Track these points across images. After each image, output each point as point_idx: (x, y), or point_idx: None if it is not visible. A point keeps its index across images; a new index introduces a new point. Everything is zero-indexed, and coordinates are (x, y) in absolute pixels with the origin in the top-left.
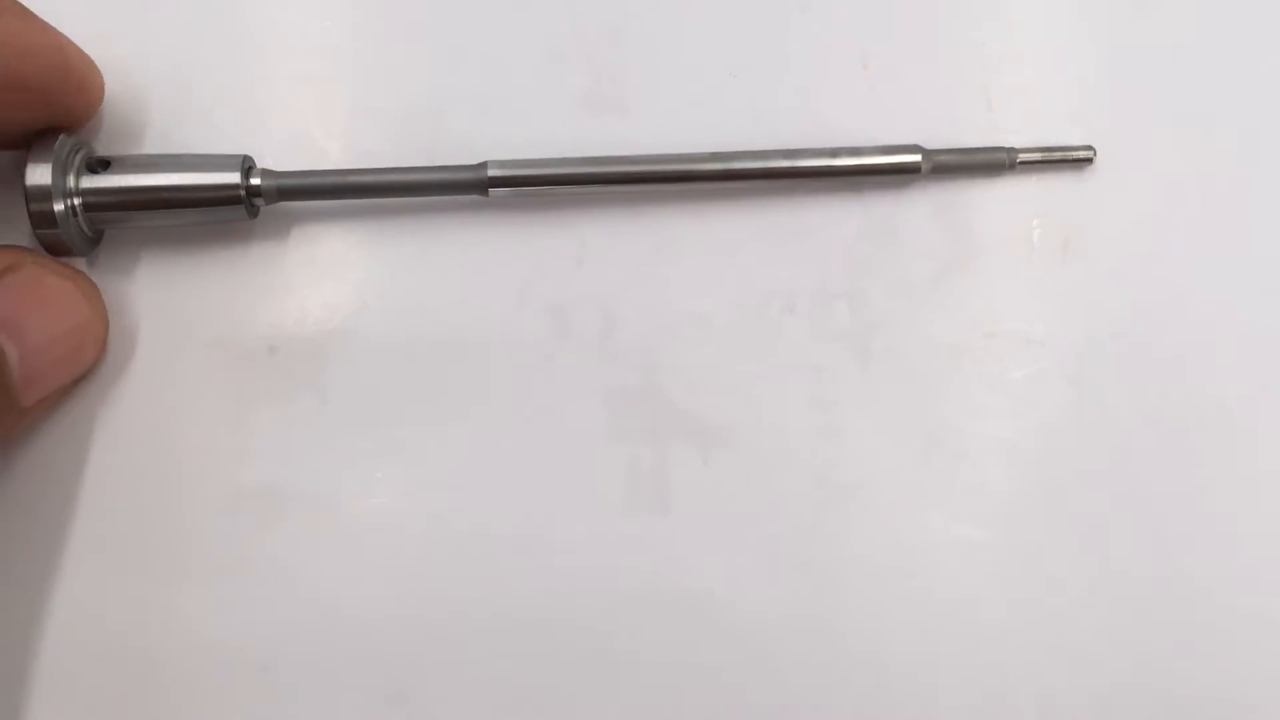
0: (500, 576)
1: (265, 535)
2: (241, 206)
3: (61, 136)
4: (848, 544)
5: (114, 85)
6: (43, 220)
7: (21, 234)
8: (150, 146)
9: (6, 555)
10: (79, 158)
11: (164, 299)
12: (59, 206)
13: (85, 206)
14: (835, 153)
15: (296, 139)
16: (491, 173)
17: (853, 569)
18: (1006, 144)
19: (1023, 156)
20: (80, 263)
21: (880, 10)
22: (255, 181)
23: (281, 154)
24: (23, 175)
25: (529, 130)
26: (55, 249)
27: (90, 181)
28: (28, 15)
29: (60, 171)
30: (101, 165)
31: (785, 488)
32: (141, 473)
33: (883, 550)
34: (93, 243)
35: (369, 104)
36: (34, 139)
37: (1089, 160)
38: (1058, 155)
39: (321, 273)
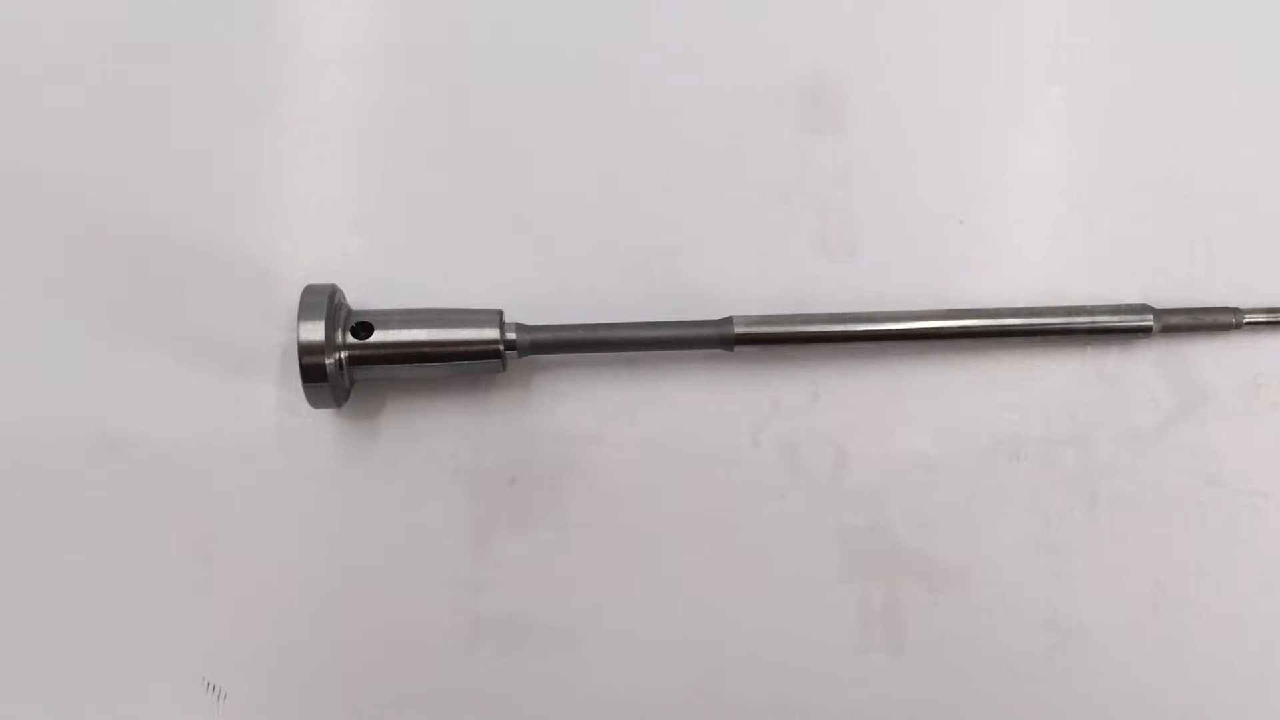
0: (733, 709)
1: (505, 664)
2: (498, 360)
3: (331, 291)
4: (1078, 688)
5: (354, 235)
6: (314, 374)
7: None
8: (390, 294)
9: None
10: (343, 313)
11: (407, 432)
12: (329, 361)
13: (351, 360)
14: (1070, 313)
15: (528, 278)
16: (738, 330)
17: (1080, 713)
18: (1224, 298)
19: (1249, 317)
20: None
21: (1103, 164)
22: (511, 336)
23: (515, 293)
24: (295, 330)
25: (758, 271)
26: (318, 401)
27: (356, 338)
28: None
29: (331, 327)
30: (365, 329)
31: (1015, 630)
32: (384, 603)
33: (1112, 696)
34: (348, 393)
35: (600, 242)
36: (303, 294)
37: None
38: None
39: (561, 407)
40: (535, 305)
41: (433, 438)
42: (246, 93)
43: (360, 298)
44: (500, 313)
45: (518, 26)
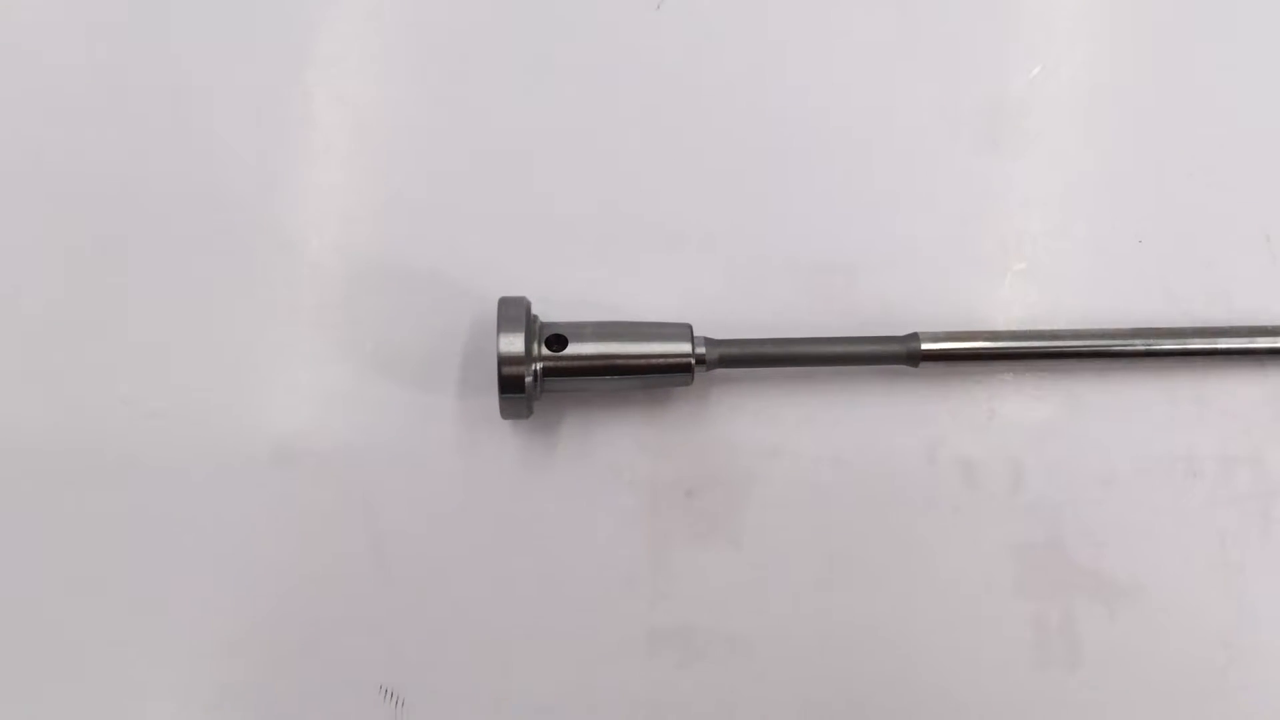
0: None
1: (681, 674)
2: (688, 374)
3: (527, 304)
4: (1255, 706)
5: (524, 246)
6: (512, 385)
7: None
8: (570, 308)
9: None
10: (537, 325)
11: (586, 444)
12: (527, 374)
13: (545, 372)
14: (1250, 334)
15: (704, 291)
16: (924, 346)
17: None
18: None
19: None
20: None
21: None
22: (701, 350)
23: (693, 308)
24: (496, 342)
25: (937, 290)
26: (512, 413)
27: (550, 350)
28: None
29: (529, 339)
30: (559, 341)
31: (1191, 648)
32: (561, 612)
33: None
34: (536, 402)
35: (777, 257)
36: (500, 305)
37: None
38: None
39: (739, 420)
40: (713, 319)
41: (611, 449)
42: (413, 103)
43: (541, 310)
44: (690, 327)
45: (693, 42)
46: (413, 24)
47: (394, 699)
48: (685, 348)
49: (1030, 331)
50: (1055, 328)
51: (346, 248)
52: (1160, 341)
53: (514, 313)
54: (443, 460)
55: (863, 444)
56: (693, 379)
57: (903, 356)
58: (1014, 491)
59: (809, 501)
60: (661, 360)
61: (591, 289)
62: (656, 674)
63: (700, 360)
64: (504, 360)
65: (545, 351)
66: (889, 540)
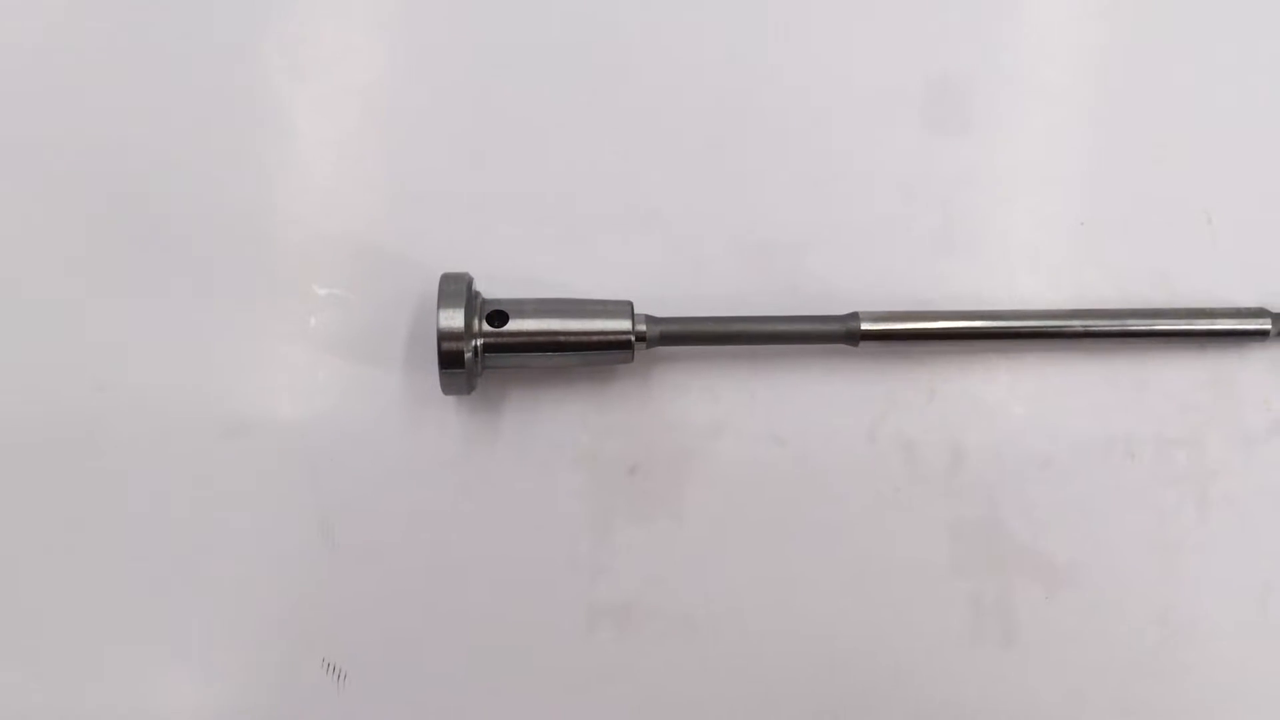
0: (845, 698)
1: (619, 649)
2: (628, 351)
3: (469, 280)
4: (1186, 684)
5: (481, 223)
6: (451, 361)
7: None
8: (516, 285)
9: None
10: (478, 302)
11: (530, 420)
12: (467, 350)
13: (485, 348)
14: (1189, 316)
15: (651, 269)
16: (863, 326)
17: (1190, 709)
18: None
19: None
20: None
21: (1227, 167)
22: (641, 328)
23: (638, 284)
24: (436, 317)
25: (881, 268)
26: (452, 388)
27: (491, 326)
28: None
29: (469, 315)
30: (500, 318)
31: (1125, 626)
32: (502, 586)
33: (1219, 692)
34: (477, 378)
35: (724, 235)
36: (441, 281)
37: None
38: None
39: (681, 398)
40: (658, 296)
41: (555, 426)
42: (366, 81)
43: (484, 288)
44: (631, 304)
45: (644, 23)
46: (367, 4)
47: (336, 672)
48: (625, 325)
49: (970, 312)
50: (996, 308)
51: (296, 225)
52: (1099, 323)
53: (454, 288)
54: (389, 435)
55: (804, 422)
56: (634, 356)
57: (842, 336)
58: (953, 471)
59: (750, 479)
60: (602, 337)
61: (539, 267)
62: (596, 648)
63: (641, 337)
64: (443, 336)
65: (486, 328)
66: (829, 518)
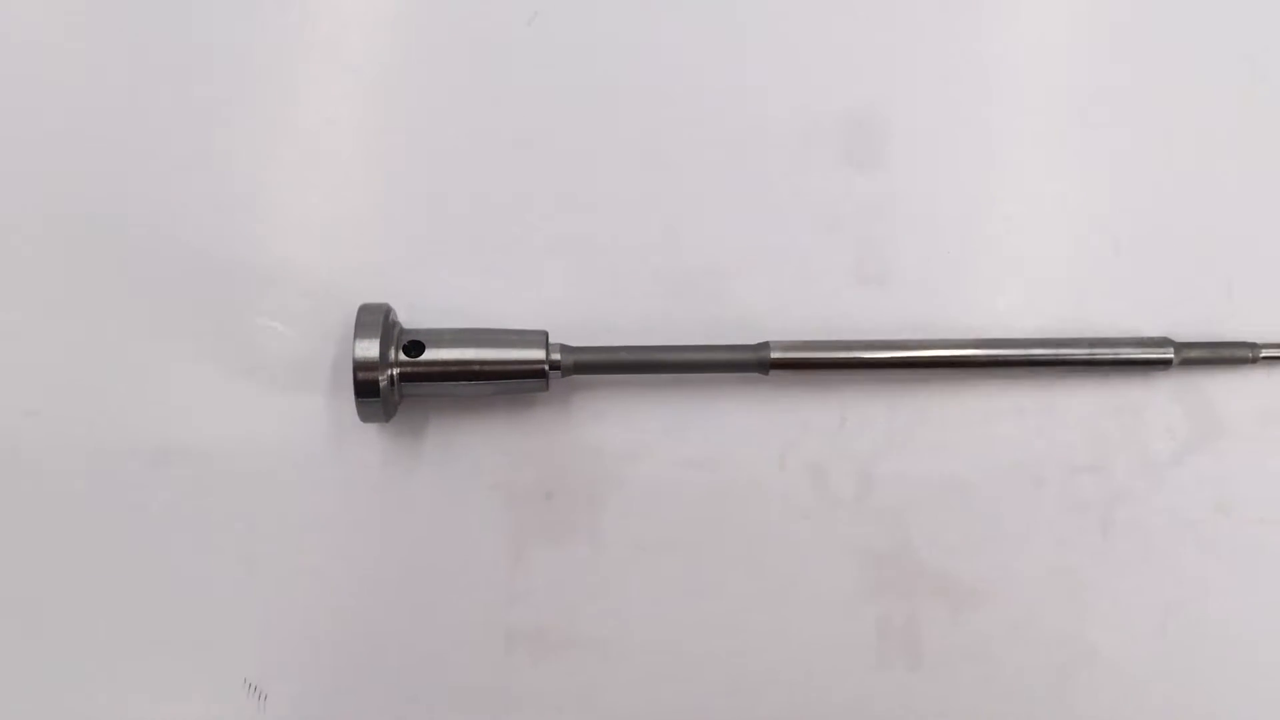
0: None
1: (536, 672)
2: (543, 379)
3: (386, 310)
4: (1089, 703)
5: (398, 252)
6: (367, 390)
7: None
8: (438, 315)
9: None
10: (396, 331)
11: (450, 447)
12: (382, 378)
13: (402, 377)
14: (1093, 344)
15: (573, 298)
16: (774, 355)
17: None
18: (1245, 330)
19: (1265, 352)
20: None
21: (1131, 201)
22: (555, 357)
23: (559, 313)
24: (351, 347)
25: (796, 298)
26: (369, 416)
27: (407, 356)
28: None
29: (385, 345)
30: (416, 347)
31: (1029, 649)
32: (421, 610)
33: (1119, 714)
34: (396, 408)
35: (646, 265)
36: (359, 312)
37: None
38: None
39: (599, 425)
40: (581, 325)
41: (474, 452)
42: (296, 111)
43: (408, 317)
44: (546, 334)
45: (564, 53)
46: (283, 25)
47: (258, 693)
48: (539, 354)
49: (879, 342)
50: (905, 338)
51: (224, 254)
52: (1005, 352)
53: (371, 319)
54: (312, 462)
55: (718, 449)
56: (548, 385)
57: (754, 365)
58: (863, 497)
59: (665, 505)
60: (516, 366)
61: (465, 297)
62: (512, 671)
63: (555, 366)
64: (359, 365)
65: (403, 357)
66: (741, 543)
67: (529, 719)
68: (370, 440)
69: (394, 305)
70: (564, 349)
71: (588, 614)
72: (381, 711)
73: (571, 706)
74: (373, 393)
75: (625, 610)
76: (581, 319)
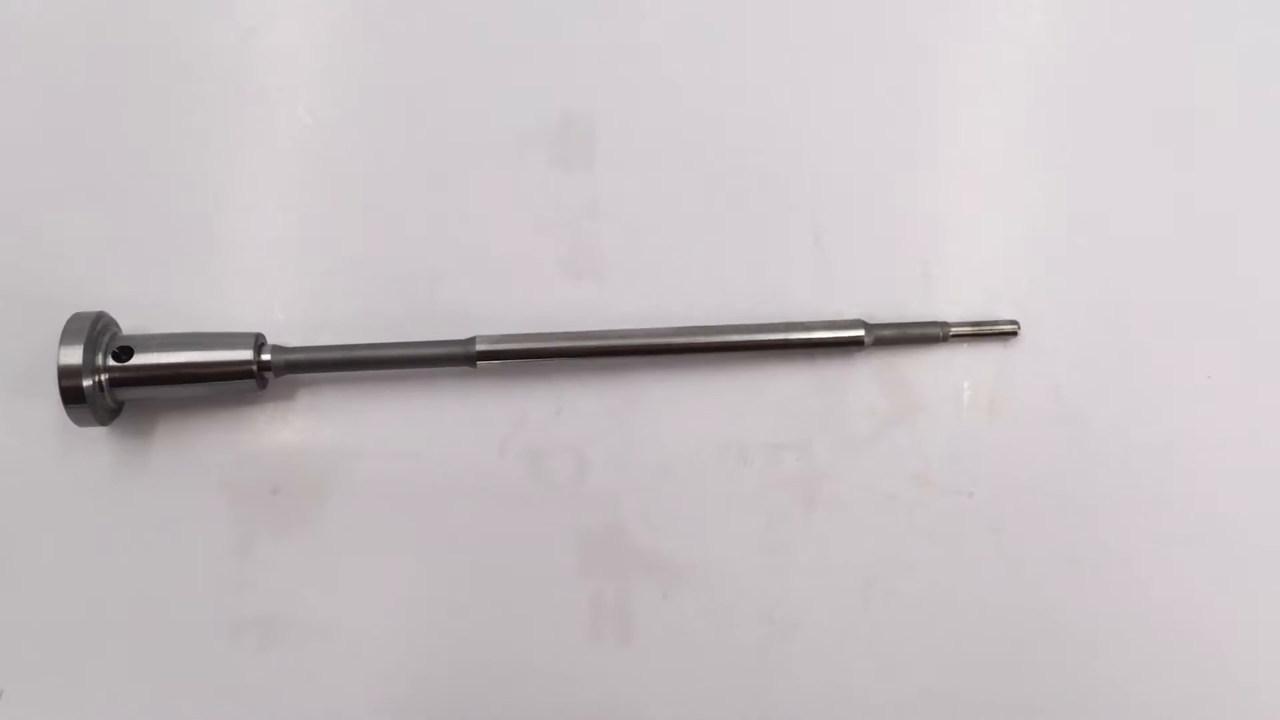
0: (476, 699)
1: (263, 659)
2: (253, 380)
3: (94, 318)
4: (792, 675)
5: (128, 264)
6: (72, 396)
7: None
8: (166, 322)
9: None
10: (107, 338)
11: (178, 447)
12: (88, 383)
13: (112, 382)
14: (788, 328)
15: (293, 303)
16: (480, 347)
17: (796, 699)
18: (941, 312)
19: (955, 330)
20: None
21: (833, 185)
22: (266, 357)
23: (280, 318)
24: (57, 355)
25: (513, 295)
26: (81, 420)
27: (116, 361)
28: None
29: (91, 351)
30: (125, 353)
31: (736, 622)
32: (152, 604)
33: (820, 684)
34: (115, 413)
35: (372, 268)
36: (68, 321)
37: (1014, 333)
38: (986, 329)
39: (322, 422)
40: (318, 325)
41: (201, 452)
42: (45, 124)
43: (142, 324)
44: (256, 335)
45: (298, 57)
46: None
47: None
48: (247, 355)
49: (583, 333)
50: (612, 328)
51: None
52: (703, 338)
53: (78, 326)
54: (42, 467)
55: (439, 441)
56: (263, 384)
57: (462, 358)
58: (578, 481)
59: (388, 495)
60: (225, 368)
61: (191, 301)
62: (237, 659)
63: (266, 367)
64: (63, 372)
65: (111, 362)
66: (462, 529)
67: (255, 704)
68: (100, 445)
69: (129, 318)
70: (276, 349)
71: (311, 602)
72: (116, 703)
73: (297, 691)
74: (79, 398)
75: (350, 597)
76: (311, 321)
